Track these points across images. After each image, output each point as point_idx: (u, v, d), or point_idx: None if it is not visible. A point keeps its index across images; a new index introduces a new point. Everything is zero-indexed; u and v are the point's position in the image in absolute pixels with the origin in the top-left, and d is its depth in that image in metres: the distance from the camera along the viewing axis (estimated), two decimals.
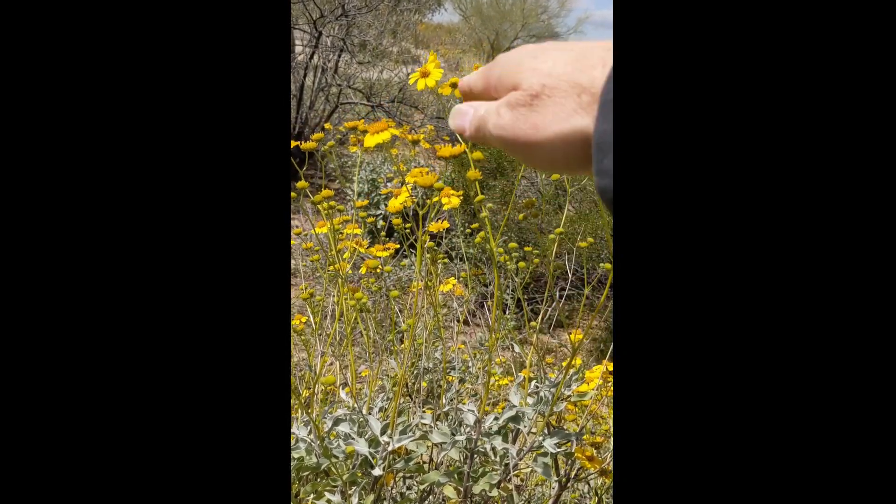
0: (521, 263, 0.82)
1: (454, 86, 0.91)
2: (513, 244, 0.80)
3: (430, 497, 0.94)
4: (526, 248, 0.95)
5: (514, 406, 0.85)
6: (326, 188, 0.95)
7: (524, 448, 0.84)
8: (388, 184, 4.28)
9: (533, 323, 0.87)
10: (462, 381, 1.44)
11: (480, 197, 0.75)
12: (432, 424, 0.90)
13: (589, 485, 1.28)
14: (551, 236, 0.75)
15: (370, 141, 0.78)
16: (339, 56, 5.42)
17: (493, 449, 0.83)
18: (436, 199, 0.88)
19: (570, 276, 1.06)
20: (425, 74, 0.85)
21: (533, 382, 0.92)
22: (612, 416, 1.55)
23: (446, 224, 0.95)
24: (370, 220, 1.41)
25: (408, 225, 1.07)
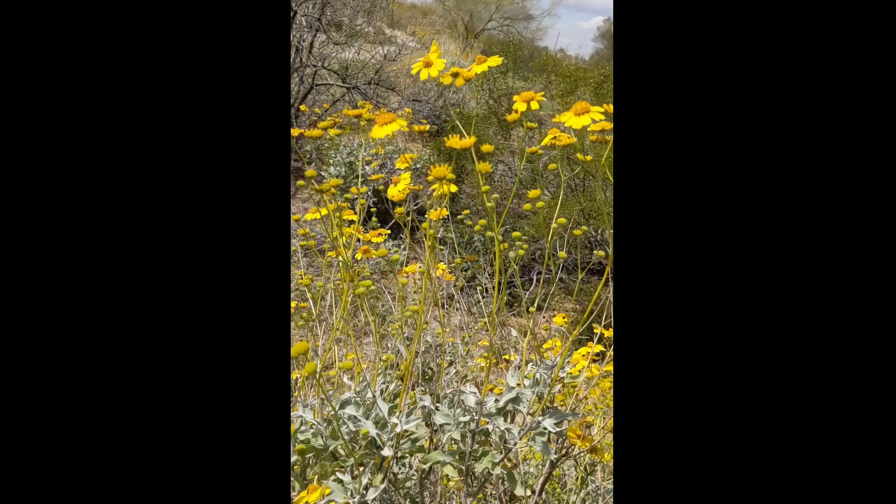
0: (521, 251, 0.85)
1: (455, 75, 0.92)
2: (516, 233, 0.83)
3: (431, 475, 0.97)
4: (514, 234, 0.98)
5: (514, 388, 0.89)
6: (329, 177, 0.96)
7: (523, 428, 0.88)
8: (367, 167, 4.24)
9: (531, 309, 0.90)
10: (451, 363, 1.48)
11: (485, 188, 0.78)
12: (432, 406, 0.93)
13: (576, 461, 1.33)
14: (553, 225, 0.78)
15: (378, 132, 0.80)
16: (315, 36, 5.34)
17: (495, 429, 0.87)
18: (434, 187, 0.90)
19: (560, 262, 1.09)
20: (428, 65, 0.86)
21: (529, 365, 0.95)
22: (593, 394, 1.61)
23: (446, 212, 0.97)
24: (362, 202, 1.42)
25: (401, 210, 1.08)
